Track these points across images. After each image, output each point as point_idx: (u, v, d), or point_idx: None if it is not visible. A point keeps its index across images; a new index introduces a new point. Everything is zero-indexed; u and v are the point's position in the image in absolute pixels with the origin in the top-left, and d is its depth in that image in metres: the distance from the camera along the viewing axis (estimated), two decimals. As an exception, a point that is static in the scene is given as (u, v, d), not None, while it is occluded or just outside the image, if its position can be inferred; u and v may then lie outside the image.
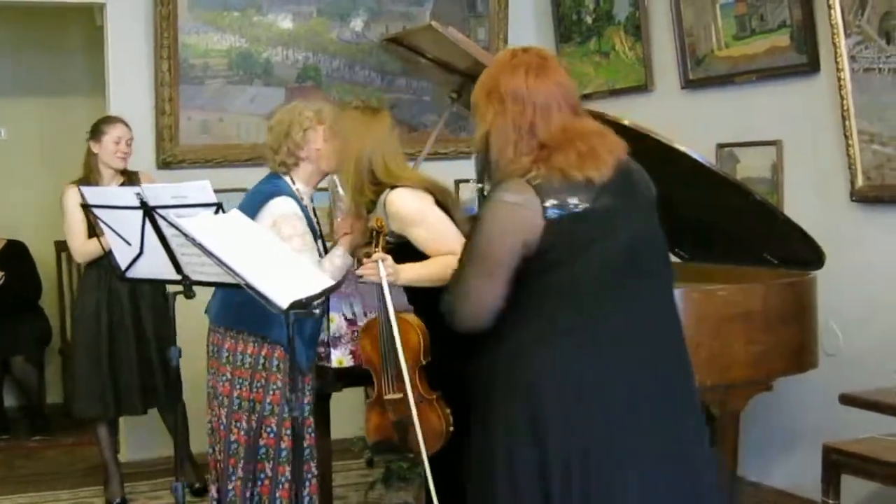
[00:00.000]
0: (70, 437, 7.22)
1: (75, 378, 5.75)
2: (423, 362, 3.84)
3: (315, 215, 4.29)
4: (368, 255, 3.73)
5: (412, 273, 3.82)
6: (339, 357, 4.33)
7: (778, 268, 4.70)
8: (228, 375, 4.18)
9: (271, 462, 4.14)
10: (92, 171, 5.61)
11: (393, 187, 3.93)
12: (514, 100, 2.81)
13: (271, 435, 4.14)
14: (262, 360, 4.15)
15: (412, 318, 3.87)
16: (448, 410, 3.83)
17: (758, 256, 4.73)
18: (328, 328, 4.30)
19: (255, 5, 6.49)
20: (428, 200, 3.94)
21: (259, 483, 4.15)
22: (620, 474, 2.75)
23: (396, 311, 3.77)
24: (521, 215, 2.72)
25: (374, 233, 3.74)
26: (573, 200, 2.73)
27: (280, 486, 4.14)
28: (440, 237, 3.89)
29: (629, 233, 2.82)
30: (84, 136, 7.86)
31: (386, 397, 3.88)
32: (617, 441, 2.75)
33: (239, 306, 4.04)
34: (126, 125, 5.63)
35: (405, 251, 3.89)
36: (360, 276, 3.80)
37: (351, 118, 4.05)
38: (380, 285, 3.72)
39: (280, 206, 4.04)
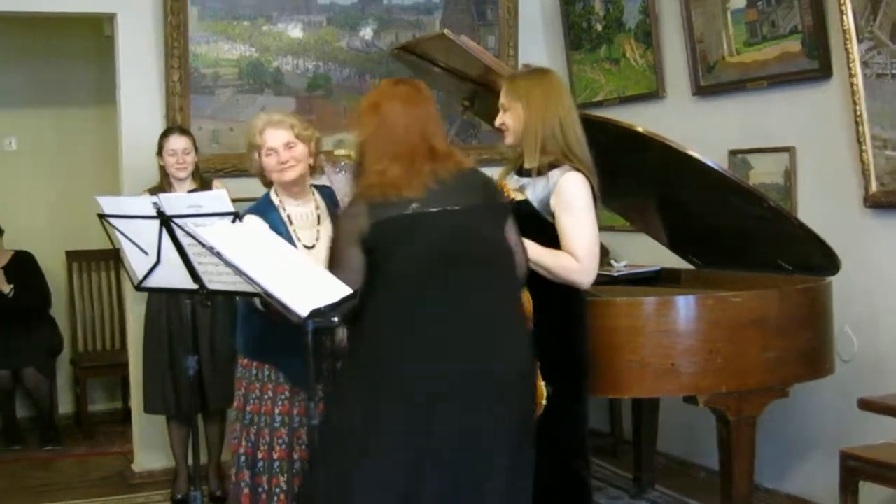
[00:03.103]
0: (82, 447, 7.26)
1: (143, 375, 5.95)
2: None
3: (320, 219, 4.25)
4: None
5: (531, 251, 3.79)
6: None
7: (792, 274, 4.70)
8: (243, 391, 4.17)
9: (266, 475, 4.10)
10: (163, 180, 5.80)
11: (572, 166, 3.93)
12: (390, 120, 3.48)
13: (264, 446, 4.10)
14: (254, 372, 4.13)
15: None
16: (543, 383, 3.80)
17: (772, 263, 4.73)
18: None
19: (264, 15, 6.50)
20: (591, 195, 3.95)
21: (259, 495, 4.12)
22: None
23: None
24: (355, 222, 3.41)
25: None
26: (391, 211, 3.37)
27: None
28: (577, 236, 3.89)
29: (443, 232, 3.40)
30: (93, 146, 7.97)
31: None
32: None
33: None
34: (182, 135, 5.81)
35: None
36: None
37: (527, 85, 4.03)
38: None
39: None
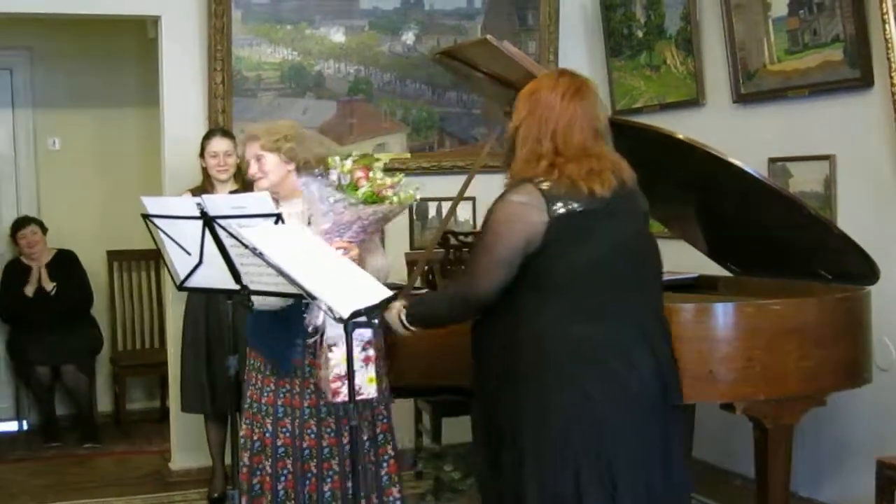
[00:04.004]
0: (120, 445, 7.32)
1: (181, 375, 6.02)
2: None
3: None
4: None
5: None
6: None
7: (831, 283, 4.68)
8: (245, 376, 4.37)
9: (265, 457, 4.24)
10: (205, 181, 5.86)
11: None
12: (546, 108, 3.37)
13: (268, 435, 4.21)
14: (251, 361, 4.32)
15: None
16: None
17: (811, 271, 4.72)
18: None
19: (307, 19, 6.55)
20: None
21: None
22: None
23: None
24: (526, 213, 3.27)
25: None
26: (576, 204, 3.27)
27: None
28: None
29: (622, 233, 3.38)
30: (135, 147, 8.04)
31: None
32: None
33: None
34: (225, 137, 5.87)
35: None
36: None
37: None
38: None
39: None
